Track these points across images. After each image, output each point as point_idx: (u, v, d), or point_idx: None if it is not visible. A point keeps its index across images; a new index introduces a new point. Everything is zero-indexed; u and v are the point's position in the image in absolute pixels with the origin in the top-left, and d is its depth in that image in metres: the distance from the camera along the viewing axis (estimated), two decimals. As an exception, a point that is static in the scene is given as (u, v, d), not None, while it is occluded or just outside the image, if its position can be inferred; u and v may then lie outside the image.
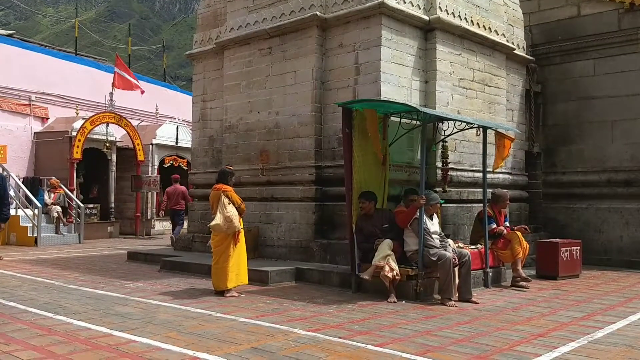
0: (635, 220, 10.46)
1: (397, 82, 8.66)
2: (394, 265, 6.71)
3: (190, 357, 4.31)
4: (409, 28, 8.90)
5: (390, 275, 6.65)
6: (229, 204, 7.13)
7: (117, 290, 7.39)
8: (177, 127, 19.43)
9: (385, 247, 6.85)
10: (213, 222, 7.06)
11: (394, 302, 6.60)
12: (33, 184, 16.08)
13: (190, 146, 13.41)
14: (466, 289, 6.87)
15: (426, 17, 8.96)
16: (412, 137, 8.54)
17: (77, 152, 15.97)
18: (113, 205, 17.40)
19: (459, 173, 9.15)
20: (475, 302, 6.71)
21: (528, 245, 8.32)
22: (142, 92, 18.44)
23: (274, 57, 9.74)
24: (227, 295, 6.95)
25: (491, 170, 8.65)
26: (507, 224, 8.51)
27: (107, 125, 16.81)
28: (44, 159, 17.19)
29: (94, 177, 18.02)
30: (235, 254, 7.15)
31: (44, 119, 18.26)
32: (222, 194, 7.16)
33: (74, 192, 15.86)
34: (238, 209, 7.22)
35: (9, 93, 17.53)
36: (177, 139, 19.23)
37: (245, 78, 10.16)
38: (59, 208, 14.78)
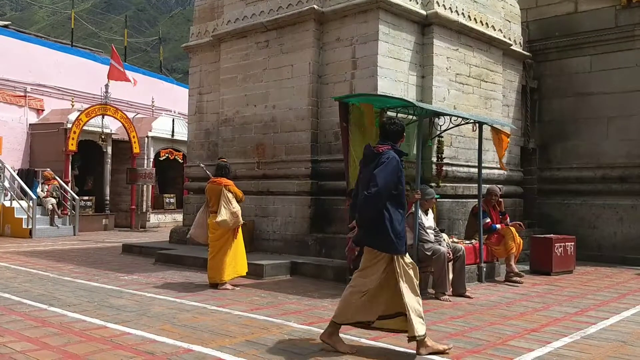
0: (629, 217, 10.51)
1: (394, 77, 8.65)
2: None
3: (184, 350, 4.32)
4: (406, 23, 8.89)
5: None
6: (233, 198, 7.13)
7: (111, 282, 7.39)
8: (173, 120, 19.36)
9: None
10: (220, 219, 6.95)
11: None
12: (28, 175, 16.03)
13: (186, 139, 13.37)
14: (460, 283, 6.91)
15: (423, 12, 8.96)
16: (408, 132, 8.48)
17: (72, 144, 15.90)
18: (108, 198, 17.35)
19: (454, 168, 9.17)
20: (469, 297, 6.75)
21: (522, 241, 8.36)
22: (134, 83, 18.25)
23: (271, 50, 9.71)
24: (222, 288, 6.96)
25: (498, 167, 8.68)
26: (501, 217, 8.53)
27: (103, 117, 16.73)
28: (39, 151, 17.10)
29: (89, 169, 17.95)
30: (233, 247, 7.17)
31: (39, 111, 18.16)
32: (224, 189, 7.13)
33: (69, 184, 15.82)
34: (239, 201, 7.23)
35: (5, 84, 17.41)
36: (173, 131, 19.17)
37: (242, 71, 10.13)
38: (53, 200, 14.74)
